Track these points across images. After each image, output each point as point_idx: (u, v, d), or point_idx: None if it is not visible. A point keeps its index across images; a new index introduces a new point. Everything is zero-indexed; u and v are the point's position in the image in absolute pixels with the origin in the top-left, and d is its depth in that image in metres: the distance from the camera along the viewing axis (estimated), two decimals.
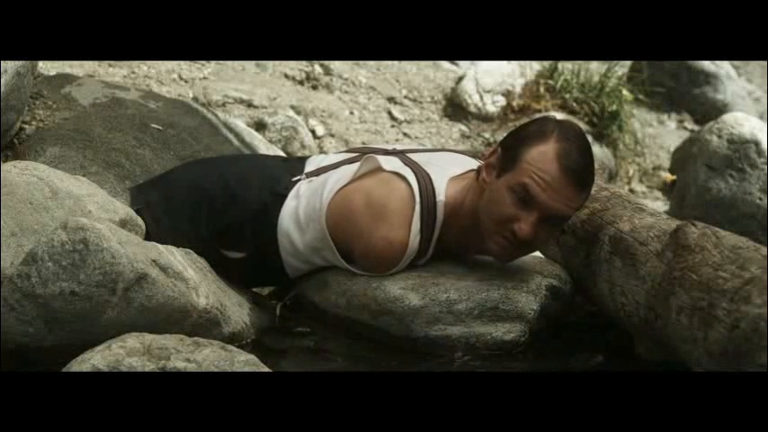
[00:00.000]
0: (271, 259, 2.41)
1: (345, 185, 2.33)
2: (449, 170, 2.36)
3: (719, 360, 1.75)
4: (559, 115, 5.13)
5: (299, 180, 2.43)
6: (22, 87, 2.94)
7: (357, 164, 2.38)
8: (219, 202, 2.46)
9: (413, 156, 2.41)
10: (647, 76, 5.72)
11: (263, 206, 2.41)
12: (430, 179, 2.31)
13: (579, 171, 2.20)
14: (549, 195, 2.18)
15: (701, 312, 1.82)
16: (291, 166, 2.51)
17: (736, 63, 6.56)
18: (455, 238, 2.35)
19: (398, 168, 2.33)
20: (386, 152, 2.45)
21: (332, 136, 4.65)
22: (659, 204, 5.19)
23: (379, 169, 2.33)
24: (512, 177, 2.20)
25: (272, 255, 2.40)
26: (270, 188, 2.43)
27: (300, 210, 2.37)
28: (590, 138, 5.23)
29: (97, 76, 4.11)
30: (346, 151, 2.59)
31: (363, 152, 2.48)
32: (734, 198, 4.65)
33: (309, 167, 2.48)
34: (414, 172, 2.32)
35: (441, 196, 2.29)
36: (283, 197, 2.40)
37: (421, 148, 2.58)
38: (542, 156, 2.18)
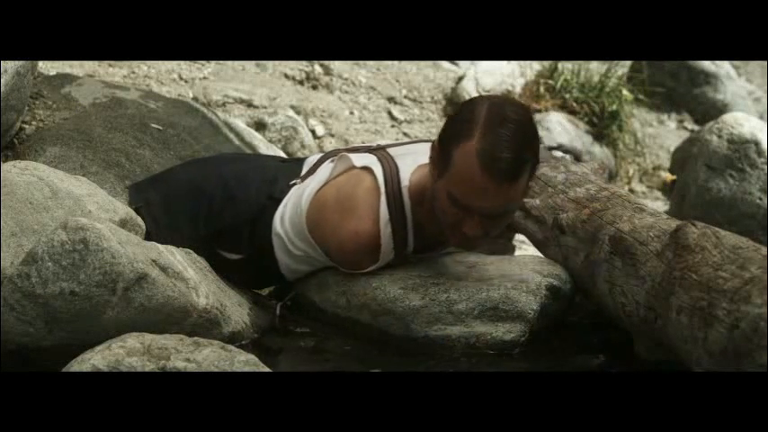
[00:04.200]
0: (267, 262, 2.41)
1: (321, 187, 2.34)
2: (420, 158, 2.34)
3: (719, 360, 1.75)
4: (558, 114, 5.14)
5: (295, 184, 2.43)
6: (22, 87, 2.94)
7: (332, 164, 2.39)
8: (218, 203, 2.46)
9: (392, 149, 2.41)
10: (647, 76, 5.72)
11: (260, 209, 2.41)
12: (396, 168, 2.31)
13: (503, 167, 2.10)
14: (480, 199, 2.13)
15: (700, 312, 1.82)
16: (289, 169, 2.51)
17: (736, 63, 6.57)
18: (436, 223, 2.34)
19: (368, 163, 2.33)
20: (368, 149, 2.44)
21: (332, 136, 4.65)
22: (659, 204, 5.19)
23: (352, 167, 2.34)
24: (446, 182, 2.16)
25: (268, 257, 2.40)
26: (267, 191, 2.43)
27: (287, 213, 2.38)
28: (590, 138, 5.25)
29: (97, 76, 4.11)
30: (332, 152, 2.58)
31: (346, 151, 2.48)
32: (734, 198, 4.65)
33: (305, 170, 2.48)
34: (382, 164, 2.32)
35: (405, 182, 2.29)
36: (279, 201, 2.40)
37: (405, 141, 2.56)
38: (464, 158, 2.11)
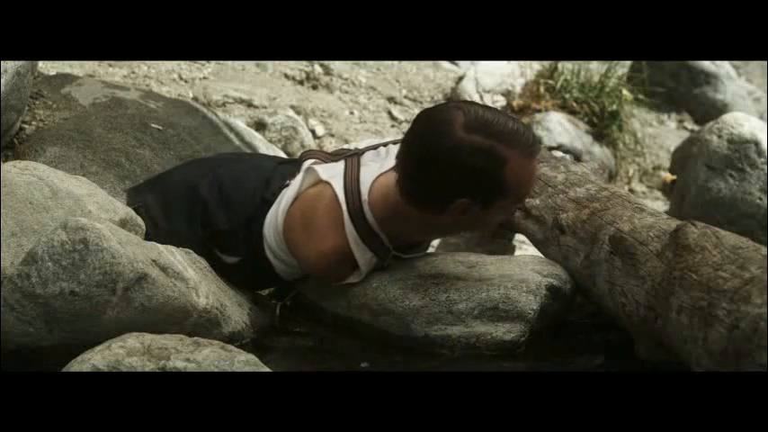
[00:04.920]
0: (264, 264, 2.40)
1: (293, 201, 2.34)
2: (385, 164, 2.33)
3: (719, 360, 1.75)
4: (558, 114, 5.14)
5: (288, 185, 2.42)
6: (22, 87, 2.94)
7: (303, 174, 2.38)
8: (214, 206, 2.45)
9: (365, 155, 2.39)
10: (647, 76, 5.72)
11: (253, 212, 2.40)
12: (358, 180, 2.30)
13: (534, 139, 2.21)
14: (534, 174, 2.27)
15: (700, 312, 1.82)
16: (286, 170, 2.49)
17: (737, 63, 6.56)
18: (410, 231, 2.35)
19: (332, 176, 2.33)
20: (344, 155, 2.42)
21: (332, 136, 4.65)
22: (659, 204, 5.19)
23: (319, 180, 2.34)
24: (508, 201, 2.22)
25: (264, 260, 2.40)
26: (261, 194, 2.42)
27: (271, 223, 2.37)
28: (590, 138, 5.26)
29: (97, 76, 4.11)
30: (308, 152, 2.57)
31: (324, 156, 2.48)
32: (734, 198, 4.65)
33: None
34: (345, 176, 2.31)
35: (365, 196, 2.28)
36: (271, 204, 2.40)
37: (379, 142, 2.53)
38: (520, 169, 2.17)
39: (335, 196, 2.28)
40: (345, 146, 2.63)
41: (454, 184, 2.17)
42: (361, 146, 2.46)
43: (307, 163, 2.44)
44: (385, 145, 2.44)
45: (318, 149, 2.64)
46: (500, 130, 2.16)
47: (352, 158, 2.38)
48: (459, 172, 2.15)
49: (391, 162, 2.32)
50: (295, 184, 2.38)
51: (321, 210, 2.29)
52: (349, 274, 2.33)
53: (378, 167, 2.33)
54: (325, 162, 2.43)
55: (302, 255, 2.32)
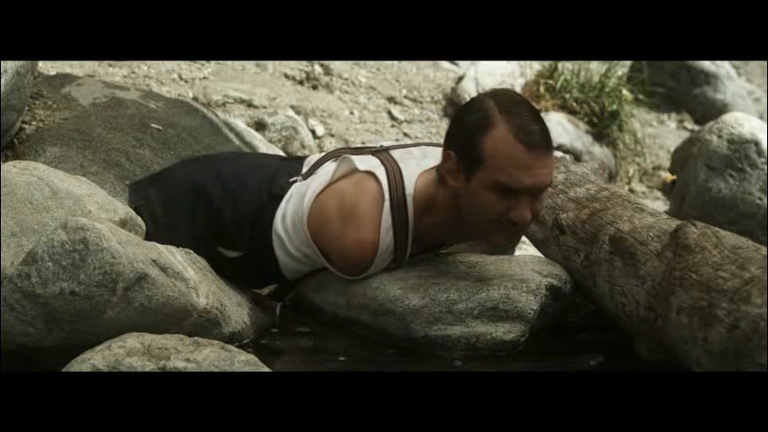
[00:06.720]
0: (267, 260, 2.40)
1: (323, 190, 2.33)
2: (423, 163, 2.34)
3: (719, 360, 1.75)
4: (558, 114, 5.15)
5: (295, 181, 2.42)
6: (22, 87, 2.94)
7: (335, 165, 2.38)
8: (217, 202, 2.45)
9: (394, 152, 2.39)
10: (647, 76, 5.73)
11: (260, 207, 2.40)
12: (400, 174, 2.30)
13: (542, 139, 2.17)
14: (529, 176, 2.16)
15: (700, 312, 1.82)
16: (289, 166, 2.50)
17: (737, 63, 6.57)
18: (437, 230, 2.34)
19: (371, 167, 2.32)
20: (369, 150, 2.43)
21: (332, 136, 4.65)
22: (659, 204, 5.19)
23: (355, 170, 2.33)
24: (485, 176, 2.17)
25: (268, 256, 2.40)
26: (267, 188, 2.42)
27: (288, 214, 2.36)
28: (590, 138, 5.26)
29: (97, 76, 4.11)
30: (335, 151, 2.57)
31: (349, 152, 2.47)
32: (734, 198, 4.65)
33: (305, 168, 2.47)
34: (386, 169, 2.31)
35: (409, 190, 2.28)
36: (279, 198, 2.39)
37: (407, 143, 2.55)
38: (501, 142, 2.15)
39: (380, 187, 2.28)
40: (360, 144, 2.63)
41: (450, 134, 2.26)
42: (386, 144, 2.47)
43: (312, 157, 2.46)
44: (415, 145, 2.46)
45: (345, 147, 2.65)
46: (514, 110, 2.17)
47: (383, 154, 2.37)
48: (456, 123, 2.26)
49: (430, 161, 2.33)
50: (325, 173, 2.37)
51: (365, 199, 2.27)
52: (367, 269, 2.32)
53: (416, 164, 2.34)
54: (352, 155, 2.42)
55: (337, 244, 2.29)
